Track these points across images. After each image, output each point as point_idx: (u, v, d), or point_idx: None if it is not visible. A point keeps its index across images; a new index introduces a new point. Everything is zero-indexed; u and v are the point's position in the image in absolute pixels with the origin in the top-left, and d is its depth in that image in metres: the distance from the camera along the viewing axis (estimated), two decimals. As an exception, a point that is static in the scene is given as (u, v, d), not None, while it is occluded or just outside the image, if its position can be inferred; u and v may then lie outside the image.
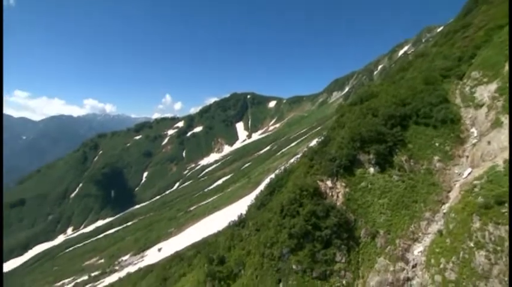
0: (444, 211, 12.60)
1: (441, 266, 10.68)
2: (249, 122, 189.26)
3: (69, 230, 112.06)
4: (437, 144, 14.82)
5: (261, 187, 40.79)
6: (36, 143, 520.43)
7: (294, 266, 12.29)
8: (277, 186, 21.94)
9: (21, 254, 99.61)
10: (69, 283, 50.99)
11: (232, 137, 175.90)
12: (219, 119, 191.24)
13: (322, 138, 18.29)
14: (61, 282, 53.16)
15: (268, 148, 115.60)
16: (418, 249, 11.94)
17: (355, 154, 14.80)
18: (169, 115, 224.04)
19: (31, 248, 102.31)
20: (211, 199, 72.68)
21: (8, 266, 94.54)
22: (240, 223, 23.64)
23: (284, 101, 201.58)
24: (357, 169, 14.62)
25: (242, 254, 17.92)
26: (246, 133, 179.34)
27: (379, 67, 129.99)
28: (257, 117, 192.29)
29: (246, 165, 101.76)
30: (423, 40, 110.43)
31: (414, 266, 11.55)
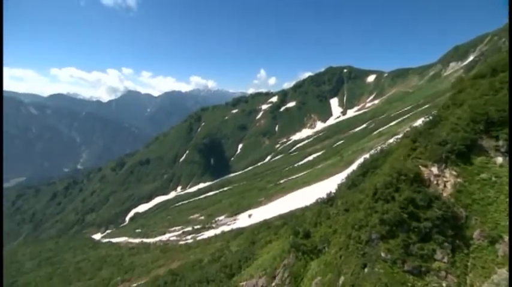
0: None
1: None
2: (344, 98, 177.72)
3: (179, 189, 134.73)
4: None
5: (353, 166, 38.66)
6: (156, 115, 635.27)
7: (382, 254, 11.43)
8: (372, 167, 20.36)
9: (147, 202, 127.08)
10: (178, 230, 62.03)
11: (326, 113, 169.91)
12: (313, 94, 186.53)
13: (431, 117, 15.45)
14: (173, 228, 65.30)
15: (364, 126, 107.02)
16: None
17: (476, 138, 12.00)
18: (263, 90, 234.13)
19: (153, 198, 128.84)
20: (301, 174, 73.68)
21: (141, 208, 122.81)
22: (329, 200, 23.32)
23: (385, 74, 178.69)
24: (477, 157, 11.92)
25: (328, 231, 17.84)
26: (341, 109, 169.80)
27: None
28: (353, 92, 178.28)
29: (339, 143, 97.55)
30: None
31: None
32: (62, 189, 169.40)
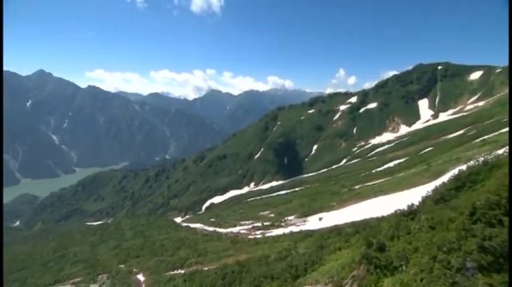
0: None
1: None
2: (437, 99, 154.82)
3: (252, 185, 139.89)
4: None
5: (443, 178, 33.38)
6: (235, 113, 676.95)
7: (480, 288, 9.45)
8: (469, 181, 17.16)
9: (222, 194, 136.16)
10: (248, 225, 64.43)
11: (412, 116, 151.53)
12: (398, 95, 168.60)
13: None
14: (243, 222, 68.16)
15: (461, 131, 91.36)
16: None
17: None
18: (342, 90, 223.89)
19: (228, 192, 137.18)
20: (378, 181, 67.63)
21: (216, 199, 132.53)
22: (409, 213, 20.67)
23: (498, 70, 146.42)
24: None
25: (407, 248, 15.82)
26: (431, 112, 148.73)
27: None
28: (449, 92, 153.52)
29: (427, 150, 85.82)
30: None
31: None
32: (153, 175, 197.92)
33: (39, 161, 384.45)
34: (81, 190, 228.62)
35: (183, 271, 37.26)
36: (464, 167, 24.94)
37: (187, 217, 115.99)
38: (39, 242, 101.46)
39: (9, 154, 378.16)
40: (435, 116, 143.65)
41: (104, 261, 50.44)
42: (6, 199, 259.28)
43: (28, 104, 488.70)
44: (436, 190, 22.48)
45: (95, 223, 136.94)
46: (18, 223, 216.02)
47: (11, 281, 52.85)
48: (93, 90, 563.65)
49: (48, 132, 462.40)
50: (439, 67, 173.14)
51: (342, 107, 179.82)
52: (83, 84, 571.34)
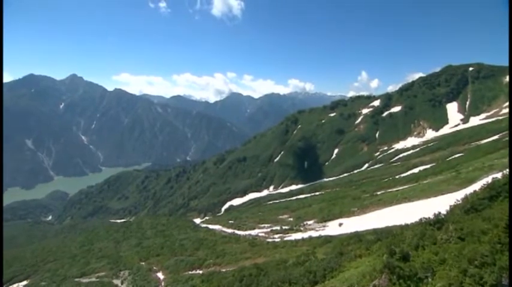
0: None
1: None
2: (467, 102, 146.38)
3: (271, 188, 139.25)
4: None
5: (475, 186, 31.48)
6: (255, 116, 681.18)
7: (517, 307, 8.72)
8: (505, 191, 16.14)
9: (241, 197, 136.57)
10: (267, 228, 64.09)
11: (440, 120, 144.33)
12: (424, 98, 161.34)
13: None
14: (262, 225, 67.91)
15: (495, 137, 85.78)
16: None
17: None
18: (364, 93, 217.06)
19: (247, 194, 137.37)
20: (402, 187, 65.02)
21: (235, 202, 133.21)
22: (436, 222, 19.63)
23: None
24: None
25: (433, 259, 14.99)
26: (461, 116, 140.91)
27: None
28: (481, 95, 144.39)
29: (456, 156, 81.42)
30: None
31: None
32: (174, 176, 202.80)
33: (70, 160, 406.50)
34: (107, 188, 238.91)
35: (201, 272, 37.73)
36: (499, 175, 23.39)
37: (206, 218, 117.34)
38: (68, 236, 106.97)
39: (44, 152, 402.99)
40: (465, 121, 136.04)
41: (125, 258, 52.16)
42: (41, 195, 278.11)
43: (61, 106, 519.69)
44: (466, 199, 21.20)
45: (119, 221, 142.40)
46: (50, 217, 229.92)
47: (44, 271, 56.15)
48: (119, 93, 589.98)
49: (79, 133, 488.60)
50: (470, 68, 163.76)
51: (365, 111, 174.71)
52: (110, 87, 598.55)
